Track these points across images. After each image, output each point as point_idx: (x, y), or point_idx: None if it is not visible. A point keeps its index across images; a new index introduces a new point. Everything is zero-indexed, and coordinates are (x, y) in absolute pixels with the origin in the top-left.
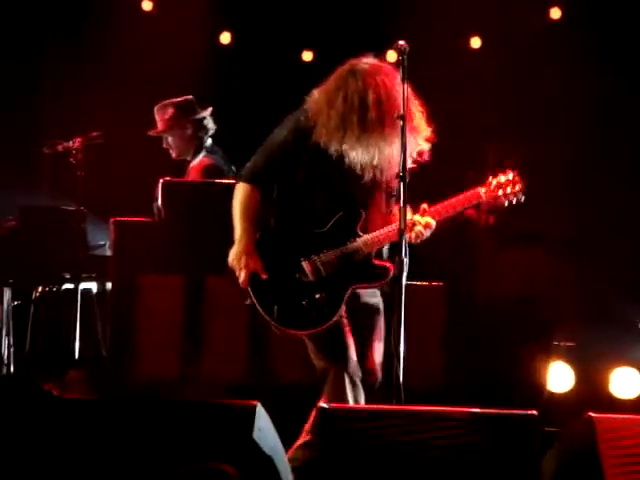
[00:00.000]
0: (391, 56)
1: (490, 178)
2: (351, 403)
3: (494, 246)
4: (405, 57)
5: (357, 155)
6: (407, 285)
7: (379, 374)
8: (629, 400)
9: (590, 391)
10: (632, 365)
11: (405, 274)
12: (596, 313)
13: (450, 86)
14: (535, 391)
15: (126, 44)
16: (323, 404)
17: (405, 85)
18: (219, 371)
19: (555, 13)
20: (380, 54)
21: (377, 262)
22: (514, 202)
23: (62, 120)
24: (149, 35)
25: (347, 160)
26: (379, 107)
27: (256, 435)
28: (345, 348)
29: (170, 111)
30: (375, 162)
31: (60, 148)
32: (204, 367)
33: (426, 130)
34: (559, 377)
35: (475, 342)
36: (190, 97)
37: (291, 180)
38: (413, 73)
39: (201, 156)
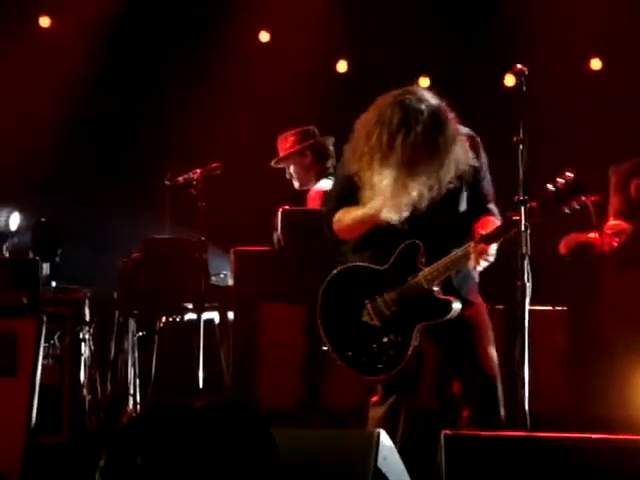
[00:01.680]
0: (509, 80)
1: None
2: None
3: (618, 269)
4: (524, 80)
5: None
6: (530, 309)
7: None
8: None
9: None
10: None
11: (528, 299)
12: None
13: (570, 109)
14: None
15: (245, 75)
16: (447, 431)
17: (521, 106)
18: (340, 401)
19: None
20: (499, 78)
21: (439, 296)
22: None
23: (183, 152)
24: (267, 66)
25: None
26: (414, 149)
27: (381, 463)
28: (409, 380)
29: (290, 139)
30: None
31: (181, 180)
32: (326, 396)
33: (468, 160)
34: None
35: (599, 367)
36: (311, 126)
37: None
38: (531, 95)
39: (321, 182)
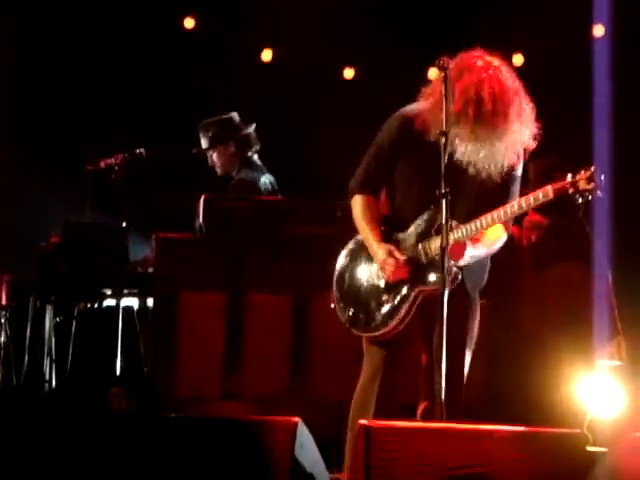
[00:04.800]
0: (432, 73)
1: (569, 176)
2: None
3: (536, 263)
4: (447, 73)
5: (466, 149)
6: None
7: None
8: None
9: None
10: None
11: (448, 290)
12: None
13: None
14: (579, 410)
15: (171, 62)
16: (364, 421)
17: (446, 100)
18: (260, 388)
19: (599, 30)
20: (423, 71)
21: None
22: (589, 198)
23: (105, 137)
24: (195, 53)
25: (455, 154)
26: (494, 101)
27: (297, 452)
28: (382, 366)
29: (213, 129)
30: (482, 156)
31: (103, 165)
32: (245, 384)
33: (531, 128)
34: (605, 396)
35: (517, 360)
36: (234, 114)
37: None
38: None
39: (242, 173)
